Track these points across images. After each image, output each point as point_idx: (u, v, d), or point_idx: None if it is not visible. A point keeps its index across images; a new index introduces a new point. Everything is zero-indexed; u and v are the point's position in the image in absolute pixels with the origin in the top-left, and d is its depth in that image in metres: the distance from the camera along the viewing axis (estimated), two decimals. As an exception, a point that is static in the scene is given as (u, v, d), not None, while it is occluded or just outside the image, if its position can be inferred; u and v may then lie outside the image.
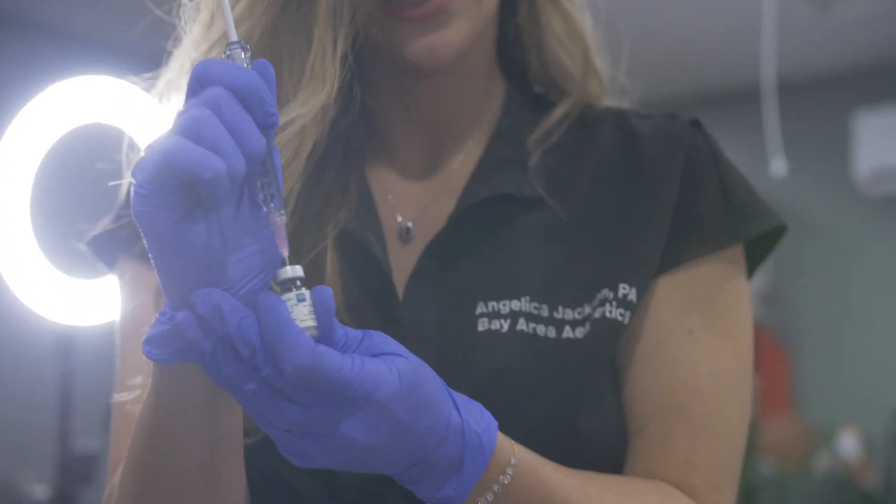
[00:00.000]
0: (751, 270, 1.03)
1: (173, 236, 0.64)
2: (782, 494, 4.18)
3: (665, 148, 1.01)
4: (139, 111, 2.89)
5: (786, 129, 4.48)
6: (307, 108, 0.86)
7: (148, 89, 1.03)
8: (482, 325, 0.93)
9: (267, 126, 0.65)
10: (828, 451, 4.57)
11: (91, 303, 2.91)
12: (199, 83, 0.65)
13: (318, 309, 0.66)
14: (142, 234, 0.66)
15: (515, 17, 1.03)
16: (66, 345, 3.03)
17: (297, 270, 0.68)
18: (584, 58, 1.04)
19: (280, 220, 0.67)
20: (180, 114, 0.66)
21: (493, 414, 0.79)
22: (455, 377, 0.83)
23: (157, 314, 0.69)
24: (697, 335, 0.97)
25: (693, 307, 0.98)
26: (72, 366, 3.00)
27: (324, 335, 0.64)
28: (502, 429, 0.78)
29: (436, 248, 0.95)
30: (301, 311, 0.66)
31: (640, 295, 0.95)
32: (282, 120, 0.82)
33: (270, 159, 0.68)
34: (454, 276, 0.97)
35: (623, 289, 0.94)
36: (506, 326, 0.94)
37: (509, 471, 0.78)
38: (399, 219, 1.01)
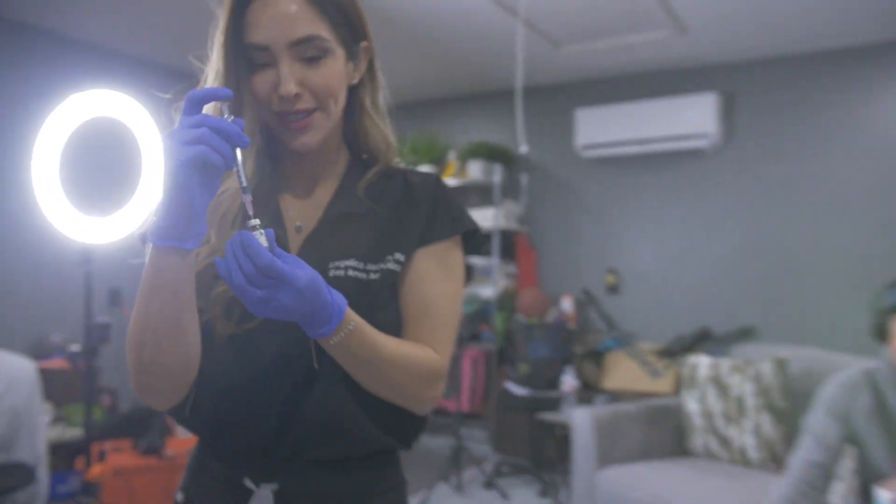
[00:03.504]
0: (474, 251, 1.21)
1: (185, 185, 0.86)
2: (528, 334, 4.59)
3: (423, 186, 1.19)
4: (134, 113, 3.03)
5: (538, 116, 5.23)
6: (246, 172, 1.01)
7: (158, 102, 1.15)
8: (332, 273, 1.09)
9: (243, 146, 0.90)
10: (555, 308, 5.14)
11: (99, 231, 3.02)
12: (197, 110, 0.88)
13: (269, 240, 0.90)
14: (167, 180, 0.87)
15: (353, 124, 1.19)
16: (87, 255, 3.11)
17: (257, 222, 0.90)
18: (388, 145, 1.19)
19: (248, 198, 0.91)
20: (196, 128, 0.87)
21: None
22: None
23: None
24: (436, 278, 1.15)
25: (435, 265, 1.16)
26: (91, 268, 3.12)
27: (272, 253, 0.88)
28: None
29: (311, 238, 1.12)
30: (262, 241, 0.88)
31: (406, 257, 1.14)
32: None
33: (244, 169, 0.90)
34: (320, 250, 1.11)
35: (398, 255, 1.13)
36: (342, 274, 1.09)
37: (352, 323, 0.99)
38: (295, 222, 1.16)
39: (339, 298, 0.96)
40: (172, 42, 4.50)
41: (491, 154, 5.24)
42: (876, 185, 4.30)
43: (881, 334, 2.19)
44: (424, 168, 5.19)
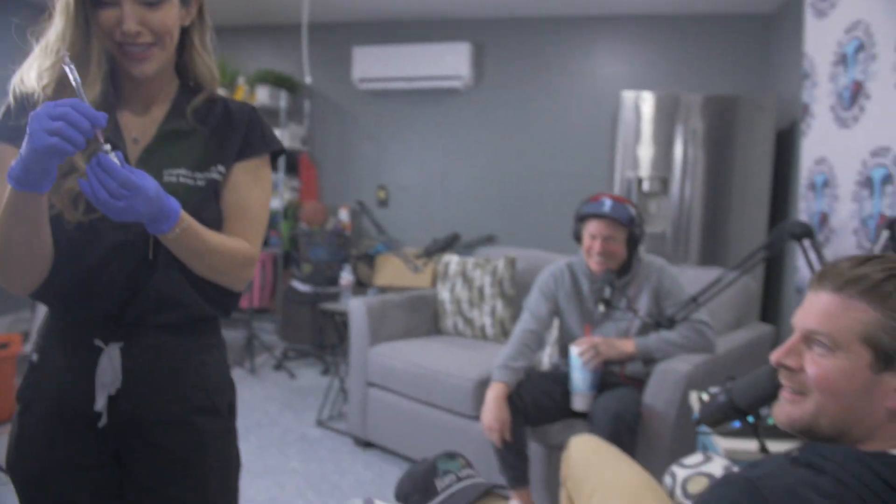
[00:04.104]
0: (277, 163, 1.32)
1: (42, 159, 0.92)
2: (310, 240, 4.76)
3: (241, 112, 1.26)
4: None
5: (321, 50, 5.21)
6: (93, 95, 1.09)
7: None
8: (166, 178, 1.16)
9: (99, 125, 0.94)
10: (334, 218, 5.36)
11: None
12: (59, 106, 0.91)
13: (119, 160, 0.97)
14: (30, 150, 0.91)
15: (184, 57, 1.24)
16: None
17: (108, 147, 0.96)
18: (213, 76, 1.25)
19: (99, 131, 0.95)
20: (56, 120, 0.90)
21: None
22: None
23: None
24: (249, 186, 1.25)
25: (248, 176, 1.25)
26: None
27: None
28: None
29: (148, 149, 1.18)
30: (114, 160, 0.96)
31: (227, 169, 1.23)
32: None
33: (100, 131, 0.96)
34: (155, 160, 1.17)
35: (220, 167, 1.22)
36: (174, 180, 1.16)
37: (185, 222, 1.08)
38: (132, 134, 1.19)
39: (174, 203, 1.05)
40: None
41: (277, 81, 5.24)
42: (585, 126, 4.85)
43: (578, 237, 2.70)
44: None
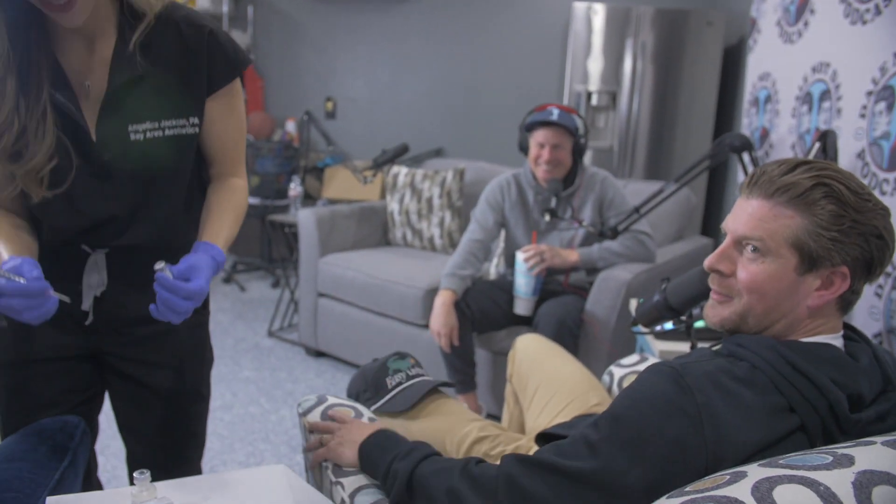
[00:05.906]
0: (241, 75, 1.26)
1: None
2: (257, 152, 4.62)
3: (197, 41, 1.16)
4: None
5: None
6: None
7: None
8: (132, 136, 1.12)
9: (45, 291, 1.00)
10: (281, 130, 5.33)
11: None
12: None
13: (171, 270, 1.04)
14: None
15: None
16: None
17: (163, 264, 1.02)
18: None
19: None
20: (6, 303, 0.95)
21: (143, 169, 1.12)
22: (123, 160, 1.10)
23: None
24: (225, 117, 1.22)
25: (223, 107, 1.21)
26: None
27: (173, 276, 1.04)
28: (153, 172, 1.14)
29: (105, 107, 1.11)
30: (169, 274, 1.03)
31: (200, 118, 1.18)
32: None
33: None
34: (117, 118, 1.12)
35: (192, 118, 1.18)
36: (141, 137, 1.13)
37: (223, 244, 1.15)
38: (82, 80, 1.11)
39: (219, 254, 1.11)
40: None
41: (220, -16, 5.10)
42: (535, 38, 4.80)
43: (524, 148, 2.75)
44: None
